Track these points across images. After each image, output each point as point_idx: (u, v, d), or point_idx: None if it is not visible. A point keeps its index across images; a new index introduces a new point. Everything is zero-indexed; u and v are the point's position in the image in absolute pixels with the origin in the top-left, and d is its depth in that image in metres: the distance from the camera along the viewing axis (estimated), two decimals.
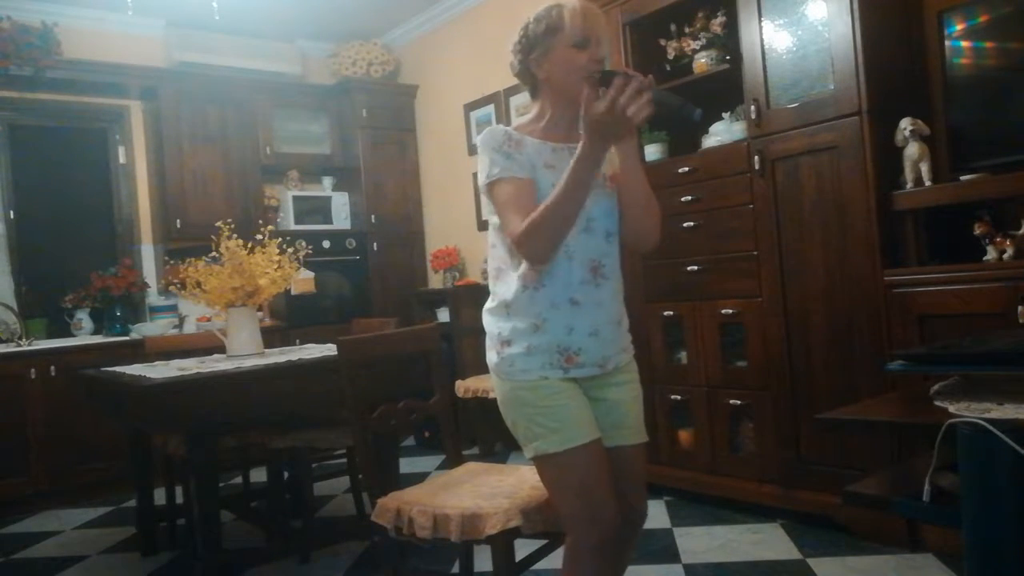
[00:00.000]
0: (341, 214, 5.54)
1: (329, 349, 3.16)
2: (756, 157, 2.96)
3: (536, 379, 1.67)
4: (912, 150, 2.62)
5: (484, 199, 1.72)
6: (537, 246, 1.59)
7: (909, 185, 2.64)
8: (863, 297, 2.69)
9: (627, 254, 1.87)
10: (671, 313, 3.35)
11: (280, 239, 3.28)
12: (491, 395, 3.91)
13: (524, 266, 1.68)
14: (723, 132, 3.20)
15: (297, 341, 4.46)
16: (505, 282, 1.71)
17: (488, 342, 1.76)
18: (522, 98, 4.74)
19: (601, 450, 1.68)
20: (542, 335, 1.66)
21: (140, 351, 3.77)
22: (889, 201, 2.65)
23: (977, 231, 2.49)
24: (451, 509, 1.95)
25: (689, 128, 3.31)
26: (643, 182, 1.73)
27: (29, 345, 4.26)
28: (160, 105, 4.89)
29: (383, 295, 5.50)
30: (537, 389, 1.66)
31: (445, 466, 2.52)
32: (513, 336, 1.68)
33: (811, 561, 2.62)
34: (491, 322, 1.75)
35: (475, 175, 1.81)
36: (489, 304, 1.77)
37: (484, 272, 1.78)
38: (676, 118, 1.55)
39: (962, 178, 2.55)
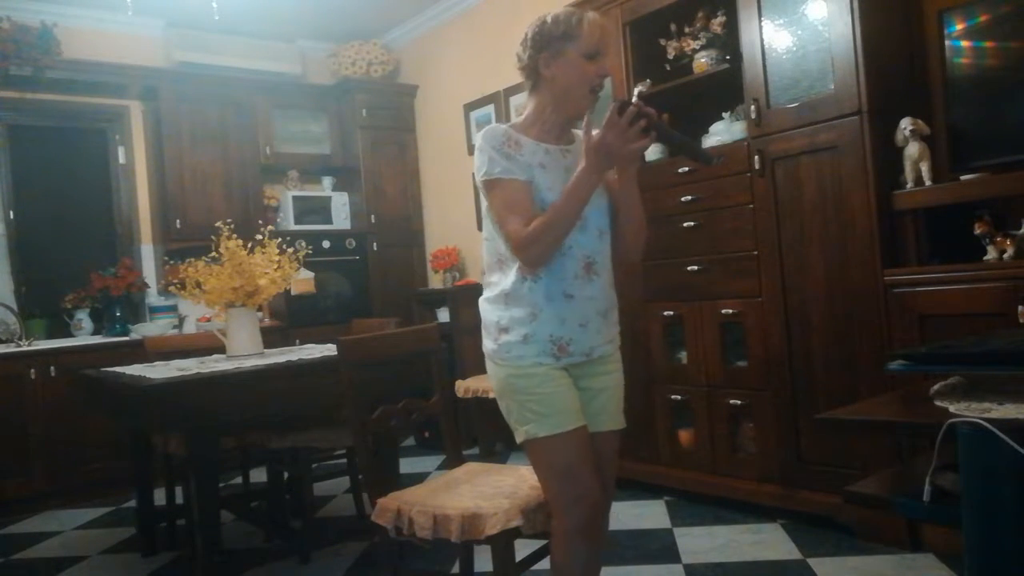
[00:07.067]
0: (341, 214, 5.54)
1: (329, 349, 3.16)
2: (756, 157, 2.96)
3: (530, 364, 1.76)
4: (912, 150, 2.62)
5: (482, 193, 1.80)
6: (535, 255, 1.70)
7: (909, 185, 2.64)
8: (863, 297, 2.69)
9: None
10: (671, 313, 3.34)
11: (280, 239, 3.28)
12: (491, 395, 3.90)
13: None
14: (723, 132, 3.19)
15: (297, 341, 4.46)
16: (504, 273, 1.79)
17: (485, 330, 1.84)
18: (522, 98, 4.73)
19: (586, 436, 1.78)
20: (538, 324, 1.75)
21: (140, 351, 3.76)
22: (889, 201, 2.65)
23: (977, 231, 2.49)
24: (451, 509, 1.95)
25: (700, 160, 3.31)
26: (638, 204, 1.82)
27: (29, 345, 4.26)
28: (160, 105, 4.89)
29: (383, 295, 5.50)
30: (531, 376, 1.76)
31: (445, 466, 2.52)
32: (511, 324, 1.77)
33: (811, 561, 2.62)
34: (489, 310, 1.83)
35: (475, 174, 1.85)
36: (487, 294, 1.85)
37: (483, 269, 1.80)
38: (690, 157, 1.66)
39: (962, 178, 2.55)
